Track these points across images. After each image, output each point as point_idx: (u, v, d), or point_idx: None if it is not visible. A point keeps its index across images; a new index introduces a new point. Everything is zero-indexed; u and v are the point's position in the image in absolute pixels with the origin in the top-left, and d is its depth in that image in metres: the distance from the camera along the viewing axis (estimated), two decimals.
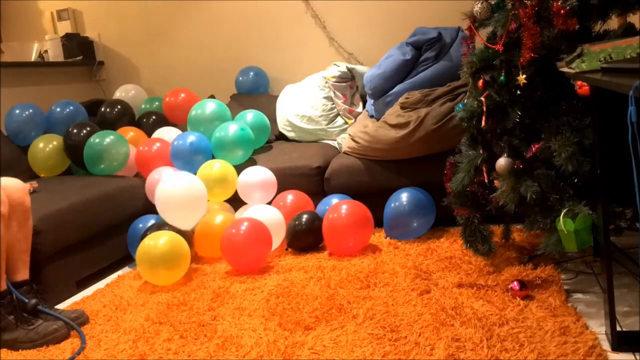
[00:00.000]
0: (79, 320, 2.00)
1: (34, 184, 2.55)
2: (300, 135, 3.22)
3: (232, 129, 2.84)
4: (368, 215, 2.44)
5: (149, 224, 2.64)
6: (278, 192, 2.77)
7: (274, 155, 3.01)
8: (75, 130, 2.90)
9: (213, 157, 2.91)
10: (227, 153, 2.84)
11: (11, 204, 1.95)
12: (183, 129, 3.15)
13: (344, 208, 2.42)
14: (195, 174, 2.77)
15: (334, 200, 2.63)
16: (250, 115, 3.06)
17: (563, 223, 1.63)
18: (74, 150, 2.89)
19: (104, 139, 2.82)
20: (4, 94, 3.24)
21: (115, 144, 2.83)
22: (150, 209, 2.81)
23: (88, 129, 2.90)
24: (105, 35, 3.99)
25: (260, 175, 2.71)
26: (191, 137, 2.84)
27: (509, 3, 1.85)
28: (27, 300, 1.92)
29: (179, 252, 2.30)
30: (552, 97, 1.81)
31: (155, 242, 2.27)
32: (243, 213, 2.66)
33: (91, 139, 2.82)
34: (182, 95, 3.27)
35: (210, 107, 3.01)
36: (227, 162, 2.80)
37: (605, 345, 1.51)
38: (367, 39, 3.51)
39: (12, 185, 2.00)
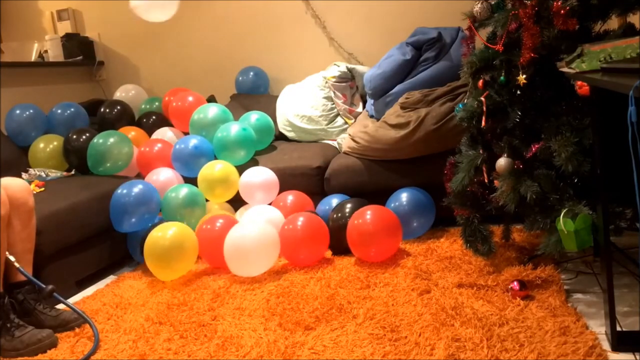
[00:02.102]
0: (78, 322, 2.00)
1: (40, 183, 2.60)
2: (300, 135, 3.22)
3: (233, 129, 2.84)
4: (397, 224, 2.34)
5: (149, 224, 2.65)
6: (279, 192, 2.77)
7: (274, 155, 3.01)
8: (74, 136, 2.91)
9: (215, 158, 2.90)
10: (229, 153, 2.83)
11: (14, 204, 1.95)
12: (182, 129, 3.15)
13: (370, 214, 2.31)
14: (196, 176, 2.77)
15: (334, 200, 2.63)
16: (254, 117, 3.05)
17: (563, 223, 1.63)
18: (73, 155, 2.90)
19: (108, 139, 2.82)
20: (4, 94, 3.24)
21: (118, 144, 2.83)
22: None
23: (87, 135, 2.91)
24: (105, 35, 3.99)
25: (262, 175, 2.71)
26: (193, 141, 2.83)
27: (509, 3, 1.85)
28: (44, 286, 1.92)
29: (188, 243, 2.32)
30: (552, 97, 1.81)
31: (164, 234, 2.29)
32: (244, 213, 2.66)
33: (95, 139, 2.83)
34: (190, 99, 3.17)
35: (212, 111, 2.99)
36: (230, 162, 2.80)
37: (605, 345, 1.51)
38: (367, 39, 3.51)
39: (16, 185, 2.00)
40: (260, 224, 2.32)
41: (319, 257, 2.40)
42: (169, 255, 2.28)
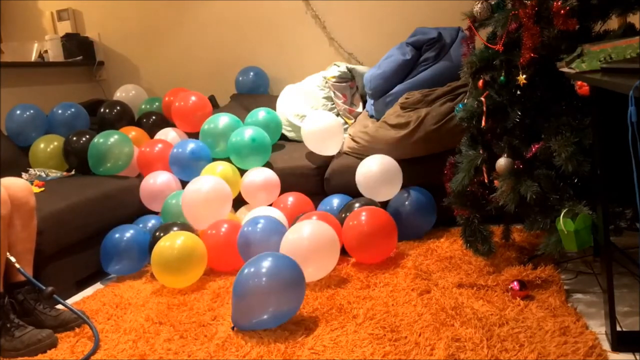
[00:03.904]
0: (79, 322, 2.00)
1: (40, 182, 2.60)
2: (300, 135, 3.21)
3: (247, 134, 2.79)
4: (392, 224, 2.32)
5: (150, 224, 2.65)
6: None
7: (274, 155, 3.01)
8: (74, 138, 2.91)
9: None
10: (244, 158, 2.81)
11: (16, 203, 1.95)
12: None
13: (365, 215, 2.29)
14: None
15: (334, 200, 2.63)
16: (262, 114, 3.03)
17: (563, 223, 1.63)
18: (73, 156, 2.90)
19: (108, 139, 2.82)
20: (4, 94, 3.24)
21: (119, 143, 2.83)
22: (150, 209, 2.82)
23: (87, 136, 2.91)
24: (105, 35, 3.99)
25: (263, 176, 2.70)
26: (191, 145, 2.82)
27: (509, 3, 1.85)
28: (44, 288, 1.92)
29: (197, 253, 2.26)
30: (552, 97, 1.81)
31: (172, 243, 2.23)
32: (246, 213, 2.66)
33: (95, 139, 2.83)
34: (194, 98, 3.14)
35: (223, 121, 2.94)
36: (246, 166, 2.79)
37: (605, 345, 1.51)
38: (367, 39, 3.51)
39: (17, 185, 2.00)
40: (319, 225, 2.14)
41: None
42: (178, 266, 2.21)
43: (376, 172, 2.51)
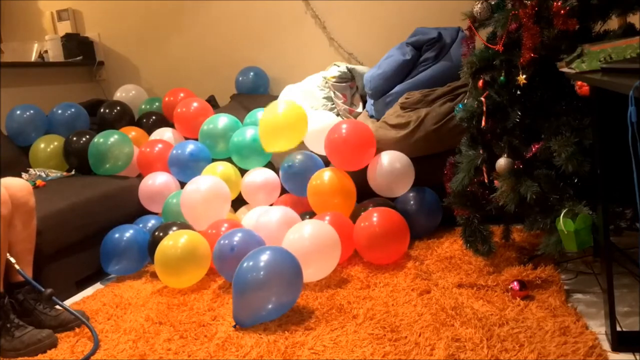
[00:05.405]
0: (78, 322, 1.99)
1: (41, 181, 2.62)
2: None
3: (249, 133, 2.78)
4: (404, 226, 2.31)
5: (150, 224, 2.65)
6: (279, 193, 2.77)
7: (274, 155, 3.00)
8: (74, 138, 2.92)
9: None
10: (245, 158, 2.80)
11: (15, 203, 1.95)
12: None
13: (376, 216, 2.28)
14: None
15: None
16: (260, 114, 3.02)
17: (563, 223, 1.63)
18: (73, 157, 2.91)
19: (109, 139, 2.82)
20: (4, 94, 3.24)
21: (119, 143, 2.83)
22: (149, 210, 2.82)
23: (87, 136, 2.91)
24: (105, 35, 3.99)
25: (263, 176, 2.70)
26: (190, 147, 2.82)
27: (509, 3, 1.85)
28: (43, 290, 1.92)
29: (200, 252, 2.25)
30: (552, 97, 1.81)
31: (175, 243, 2.23)
32: (246, 213, 2.66)
33: (95, 139, 2.83)
34: (195, 104, 3.13)
35: (222, 121, 2.92)
36: (247, 166, 2.78)
37: (605, 346, 1.51)
38: (367, 39, 3.51)
39: (17, 185, 2.00)
40: (320, 225, 2.14)
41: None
42: (181, 265, 2.20)
43: (387, 168, 2.51)
